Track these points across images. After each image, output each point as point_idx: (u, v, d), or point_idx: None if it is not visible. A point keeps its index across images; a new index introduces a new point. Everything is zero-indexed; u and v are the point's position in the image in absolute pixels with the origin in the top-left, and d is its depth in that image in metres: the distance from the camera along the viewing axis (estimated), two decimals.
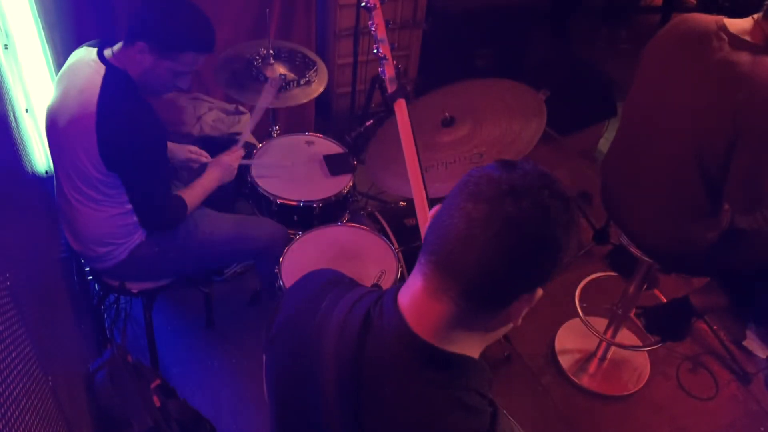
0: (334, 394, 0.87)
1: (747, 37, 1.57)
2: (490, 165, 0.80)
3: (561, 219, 0.77)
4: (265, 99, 2.19)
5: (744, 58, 1.54)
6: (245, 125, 2.61)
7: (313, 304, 0.94)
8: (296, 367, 0.93)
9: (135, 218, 1.84)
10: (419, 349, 0.82)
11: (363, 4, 1.66)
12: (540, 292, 0.81)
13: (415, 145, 1.46)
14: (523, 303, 0.81)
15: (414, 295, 0.84)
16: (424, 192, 1.39)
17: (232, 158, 2.08)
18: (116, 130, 1.63)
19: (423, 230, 1.28)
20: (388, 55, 1.62)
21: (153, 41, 1.63)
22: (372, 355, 0.85)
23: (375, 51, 1.63)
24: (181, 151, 2.10)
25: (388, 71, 1.61)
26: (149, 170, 1.74)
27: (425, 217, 1.33)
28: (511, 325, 0.85)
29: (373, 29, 1.65)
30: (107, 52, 1.70)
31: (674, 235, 1.84)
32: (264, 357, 1.03)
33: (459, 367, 0.84)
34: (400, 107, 1.53)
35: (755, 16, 1.58)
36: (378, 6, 1.66)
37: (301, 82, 2.30)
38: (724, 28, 1.60)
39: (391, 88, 1.57)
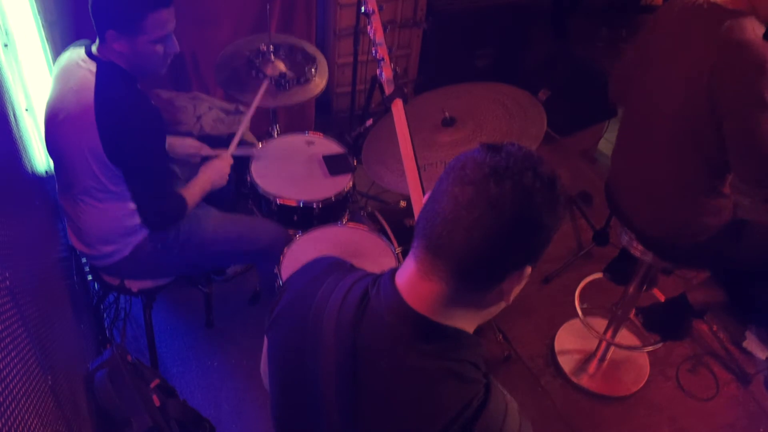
0: (333, 367, 0.89)
1: (726, 4, 1.58)
2: (476, 148, 0.83)
3: (544, 199, 0.78)
4: (260, 97, 2.19)
5: (722, 24, 1.55)
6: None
7: (314, 287, 0.97)
8: (297, 346, 0.96)
9: (139, 220, 1.84)
10: (413, 322, 0.85)
11: (363, 10, 1.74)
12: (529, 269, 0.83)
13: (413, 145, 1.50)
14: (513, 281, 0.83)
15: (409, 276, 0.87)
16: (420, 190, 1.43)
17: (224, 164, 2.06)
18: (115, 120, 1.65)
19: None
20: (386, 58, 1.68)
21: (116, 24, 1.63)
22: (368, 328, 0.88)
23: (373, 54, 1.70)
24: (181, 145, 2.10)
25: (386, 73, 1.67)
26: (150, 160, 1.74)
27: None
28: (503, 304, 0.87)
29: (372, 33, 1.71)
30: (94, 49, 1.71)
31: (675, 221, 1.83)
32: (265, 340, 1.05)
33: (453, 339, 0.86)
34: (398, 108, 1.58)
35: None
36: (376, 11, 1.73)
37: (301, 80, 2.30)
38: (707, 1, 1.61)
39: (388, 90, 1.63)
